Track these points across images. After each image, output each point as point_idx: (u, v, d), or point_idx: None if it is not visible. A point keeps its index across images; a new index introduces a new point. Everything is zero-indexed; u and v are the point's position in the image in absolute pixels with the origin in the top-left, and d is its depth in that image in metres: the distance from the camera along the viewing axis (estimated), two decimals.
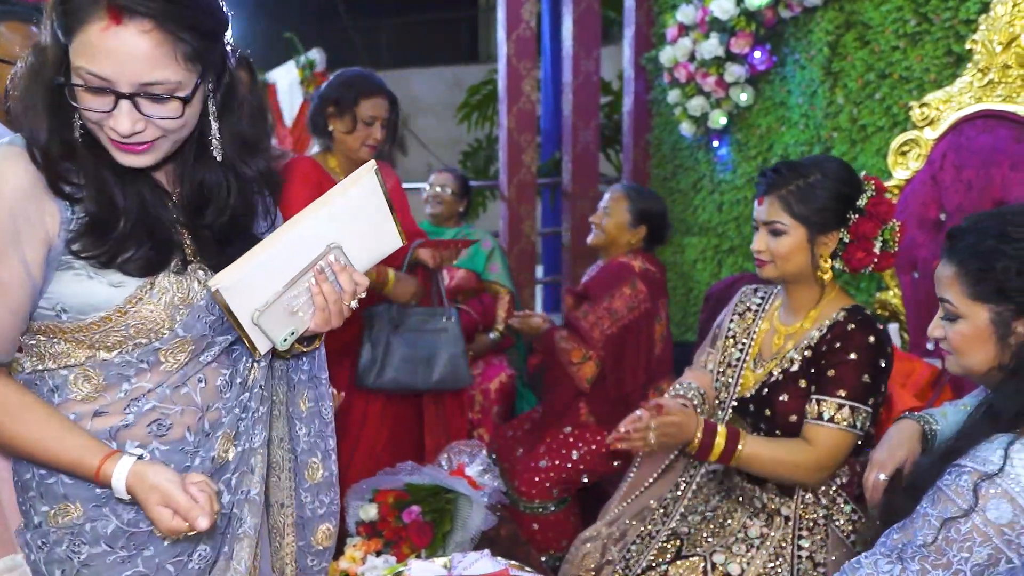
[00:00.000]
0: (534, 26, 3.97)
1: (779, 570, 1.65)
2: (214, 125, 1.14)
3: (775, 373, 1.72)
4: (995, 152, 2.06)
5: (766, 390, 1.72)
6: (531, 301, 4.33)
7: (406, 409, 2.69)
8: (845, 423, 1.61)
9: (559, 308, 4.62)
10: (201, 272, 1.17)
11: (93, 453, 1.07)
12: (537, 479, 2.54)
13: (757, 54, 3.25)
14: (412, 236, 2.58)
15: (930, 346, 2.17)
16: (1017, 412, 1.16)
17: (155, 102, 1.02)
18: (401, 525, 2.26)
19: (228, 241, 1.18)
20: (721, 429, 1.69)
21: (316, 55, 5.28)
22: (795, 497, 1.71)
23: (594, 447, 2.57)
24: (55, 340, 1.12)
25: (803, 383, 1.68)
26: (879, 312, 2.47)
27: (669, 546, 1.76)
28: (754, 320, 1.84)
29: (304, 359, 1.34)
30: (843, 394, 1.61)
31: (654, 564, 1.72)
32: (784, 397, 1.69)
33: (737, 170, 3.51)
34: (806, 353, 1.68)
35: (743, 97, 3.35)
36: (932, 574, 1.13)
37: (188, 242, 1.17)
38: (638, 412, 1.69)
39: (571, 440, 2.59)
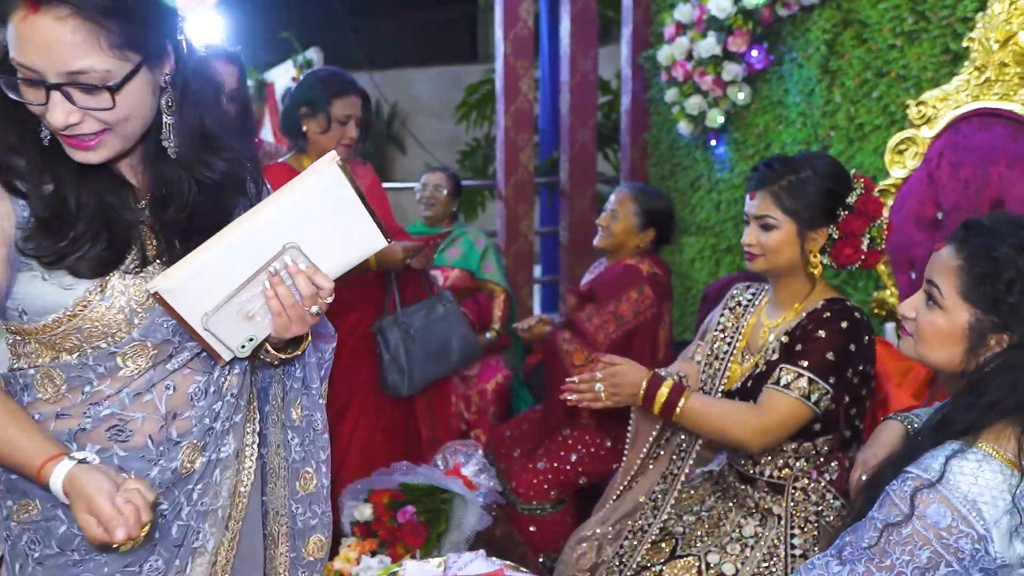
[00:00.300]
0: (532, 25, 3.96)
1: (773, 569, 1.64)
2: (166, 119, 1.09)
3: (760, 365, 1.73)
4: (992, 150, 2.05)
5: (751, 382, 1.72)
6: (529, 301, 4.33)
7: (398, 407, 2.69)
8: (799, 392, 1.60)
9: (557, 308, 4.61)
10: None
11: (39, 454, 1.03)
12: (535, 481, 2.53)
13: (754, 53, 3.25)
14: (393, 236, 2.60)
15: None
16: (967, 427, 1.17)
17: (86, 93, 0.98)
18: (396, 525, 2.25)
19: (194, 242, 1.10)
20: (668, 381, 1.72)
21: (313, 54, 5.27)
22: (786, 495, 1.71)
23: (593, 450, 2.56)
24: (25, 340, 1.12)
25: None
26: (876, 311, 2.46)
27: (664, 546, 1.76)
28: (743, 314, 1.85)
29: (297, 366, 1.29)
30: (804, 364, 1.62)
31: (649, 564, 1.72)
32: None
33: (735, 169, 3.50)
34: (783, 339, 1.69)
35: (740, 96, 3.35)
36: None
37: (152, 242, 1.12)
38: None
39: (570, 442, 2.58)
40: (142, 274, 1.10)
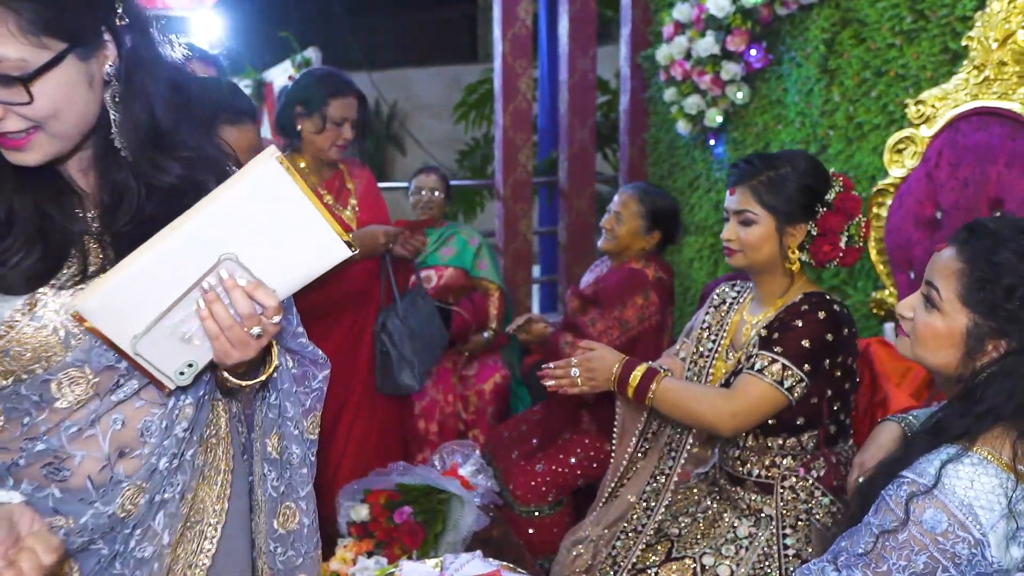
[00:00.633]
0: (530, 25, 3.96)
1: (768, 571, 1.64)
2: (113, 115, 0.97)
3: (743, 362, 1.73)
4: (991, 149, 2.05)
5: (733, 378, 1.72)
6: (527, 300, 4.32)
7: (392, 405, 2.69)
8: (772, 377, 1.61)
9: (556, 307, 4.61)
10: None
11: None
12: (533, 483, 2.52)
13: (753, 52, 3.24)
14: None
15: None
16: (962, 432, 1.16)
17: (3, 86, 0.88)
18: (392, 526, 2.25)
19: None
20: (642, 366, 1.75)
21: (312, 54, 5.27)
22: (775, 495, 1.70)
23: (592, 452, 2.55)
24: None
25: None
26: (875, 311, 2.45)
27: (660, 548, 1.75)
28: (728, 312, 1.86)
29: (271, 392, 1.15)
30: (778, 350, 1.63)
31: (645, 566, 1.72)
32: None
33: None
34: (762, 332, 1.70)
35: (739, 95, 3.34)
36: None
37: (97, 255, 1.00)
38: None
39: (569, 445, 2.57)
40: (82, 288, 0.97)
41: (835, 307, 1.66)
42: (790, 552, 1.65)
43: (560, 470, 2.53)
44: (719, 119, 3.44)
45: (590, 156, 4.25)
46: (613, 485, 1.94)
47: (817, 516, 1.68)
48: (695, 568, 1.66)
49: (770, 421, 1.66)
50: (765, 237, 1.70)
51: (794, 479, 1.70)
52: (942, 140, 2.18)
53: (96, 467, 1.01)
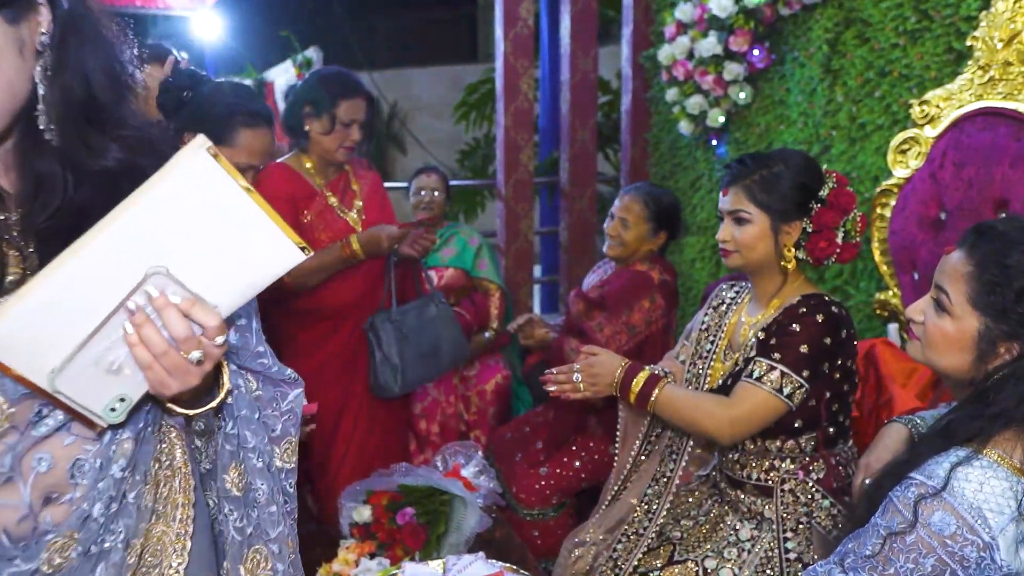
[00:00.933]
0: (532, 24, 3.95)
1: (770, 574, 1.63)
2: (41, 90, 0.81)
3: (739, 363, 1.72)
4: (996, 150, 2.04)
5: (730, 380, 1.72)
6: (528, 301, 4.31)
7: (393, 407, 2.68)
8: (771, 385, 1.60)
9: (557, 308, 4.60)
10: None
11: None
12: (537, 486, 2.51)
13: (756, 52, 3.23)
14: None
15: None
16: (973, 435, 1.15)
17: None
18: (395, 527, 2.24)
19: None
20: (645, 371, 1.74)
21: (313, 53, 5.27)
22: (775, 498, 1.69)
23: (596, 456, 2.54)
24: None
25: None
26: (879, 312, 2.45)
27: (661, 551, 1.75)
28: (726, 313, 1.85)
29: (227, 421, 0.99)
30: (777, 357, 1.62)
31: (646, 569, 1.71)
32: None
33: None
34: (760, 335, 1.69)
35: (742, 95, 3.33)
36: None
37: (18, 263, 0.85)
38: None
39: (574, 448, 2.56)
40: None
41: (833, 309, 1.65)
42: (791, 556, 1.64)
43: (564, 473, 2.52)
44: (721, 119, 3.43)
45: (591, 156, 4.24)
46: (616, 488, 1.93)
47: (818, 519, 1.67)
48: (697, 571, 1.66)
49: None
50: (760, 236, 1.69)
51: (793, 482, 1.69)
52: (947, 140, 2.17)
53: (14, 517, 0.85)
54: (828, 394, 1.65)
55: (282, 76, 5.87)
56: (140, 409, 0.90)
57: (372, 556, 2.20)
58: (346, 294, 2.47)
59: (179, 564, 0.97)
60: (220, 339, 0.81)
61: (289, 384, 1.06)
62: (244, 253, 0.79)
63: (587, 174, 4.22)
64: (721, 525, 1.75)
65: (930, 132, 2.22)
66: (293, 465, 1.07)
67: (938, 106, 2.20)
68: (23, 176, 0.86)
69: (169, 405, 0.89)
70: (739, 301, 1.85)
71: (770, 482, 1.70)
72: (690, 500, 1.86)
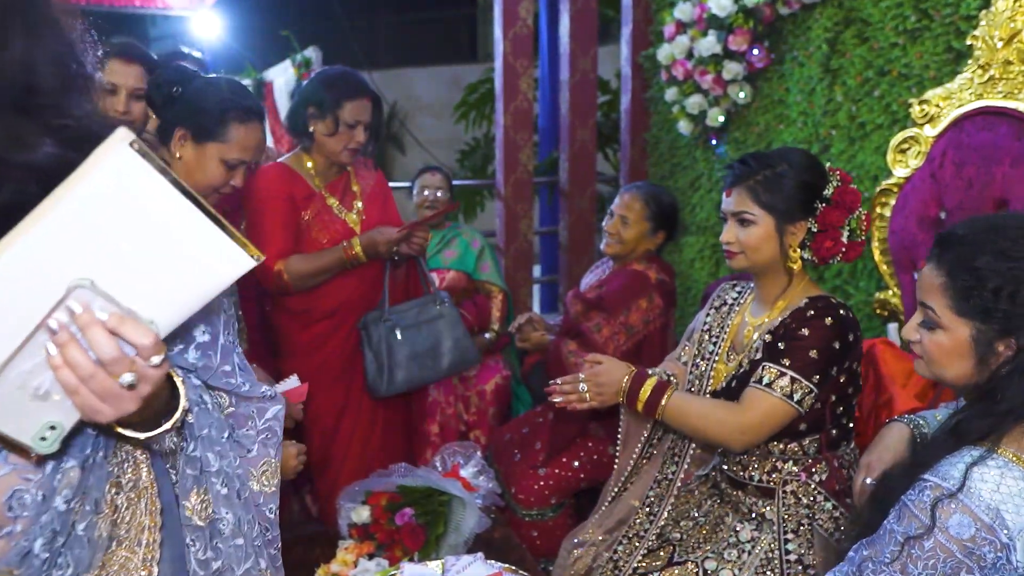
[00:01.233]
0: (531, 24, 3.95)
1: (770, 575, 1.63)
2: None
3: (744, 365, 1.71)
4: (996, 149, 2.03)
5: (735, 382, 1.71)
6: (528, 300, 4.31)
7: (395, 407, 2.67)
8: (781, 391, 1.59)
9: (556, 307, 4.60)
10: None
11: None
12: (536, 487, 2.51)
13: (755, 51, 3.23)
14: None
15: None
16: (984, 434, 1.15)
17: None
18: (394, 528, 2.23)
19: None
20: (652, 379, 1.72)
21: (312, 53, 5.27)
22: (776, 499, 1.69)
23: (596, 456, 2.53)
24: None
25: None
26: (879, 312, 2.44)
27: (662, 553, 1.74)
28: (728, 314, 1.84)
29: (188, 442, 0.91)
30: (786, 363, 1.60)
31: (646, 570, 1.70)
32: None
33: None
34: (766, 338, 1.68)
35: (741, 95, 3.33)
36: None
37: None
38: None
39: (572, 449, 2.55)
40: None
41: (841, 312, 1.64)
42: (791, 557, 1.64)
43: (563, 473, 2.52)
44: (721, 119, 3.43)
45: (591, 156, 4.24)
46: (616, 489, 1.92)
47: (820, 522, 1.66)
48: (697, 572, 1.65)
49: None
50: (765, 237, 1.68)
51: (795, 484, 1.68)
52: (946, 140, 2.16)
53: None
54: (833, 397, 1.64)
55: (281, 76, 5.87)
56: (85, 434, 0.82)
57: (371, 557, 2.20)
58: (346, 294, 2.46)
59: None
60: (156, 359, 0.72)
61: (267, 399, 0.99)
62: (183, 261, 0.71)
63: (586, 174, 4.21)
64: (721, 526, 1.74)
65: (930, 131, 2.21)
66: (274, 489, 0.99)
67: (938, 105, 2.20)
68: None
69: (118, 429, 0.81)
70: (742, 302, 1.84)
71: (772, 483, 1.69)
72: (690, 500, 1.85)
